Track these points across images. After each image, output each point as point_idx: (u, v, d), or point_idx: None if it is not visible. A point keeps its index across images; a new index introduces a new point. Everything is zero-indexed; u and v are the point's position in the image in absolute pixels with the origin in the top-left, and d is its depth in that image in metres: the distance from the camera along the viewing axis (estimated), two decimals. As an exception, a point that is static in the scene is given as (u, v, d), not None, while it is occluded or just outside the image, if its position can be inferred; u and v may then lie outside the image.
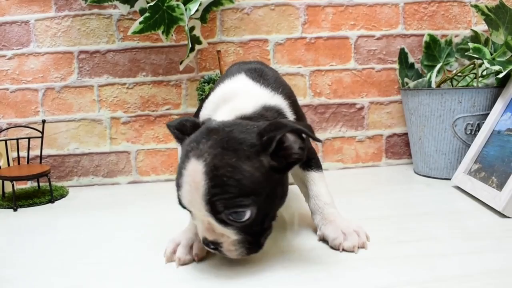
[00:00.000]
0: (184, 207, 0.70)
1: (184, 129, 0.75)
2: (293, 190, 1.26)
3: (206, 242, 0.71)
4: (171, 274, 0.73)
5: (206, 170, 0.64)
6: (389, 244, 0.81)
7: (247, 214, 0.65)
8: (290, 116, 0.82)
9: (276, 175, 0.69)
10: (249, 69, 0.87)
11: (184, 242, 0.78)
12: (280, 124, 0.67)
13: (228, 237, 0.69)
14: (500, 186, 0.99)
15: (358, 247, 0.79)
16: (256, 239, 0.70)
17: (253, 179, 0.65)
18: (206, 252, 0.79)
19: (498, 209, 0.95)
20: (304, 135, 0.69)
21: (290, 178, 1.28)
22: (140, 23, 1.18)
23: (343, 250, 0.78)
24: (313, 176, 0.88)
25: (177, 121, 0.77)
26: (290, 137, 0.69)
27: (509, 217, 0.93)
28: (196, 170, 0.64)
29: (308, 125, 0.70)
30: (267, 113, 0.77)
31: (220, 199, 0.64)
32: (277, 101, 0.81)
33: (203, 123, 0.75)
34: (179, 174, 0.68)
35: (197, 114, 0.94)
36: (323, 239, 0.83)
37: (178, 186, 0.68)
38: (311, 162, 0.89)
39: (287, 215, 1.04)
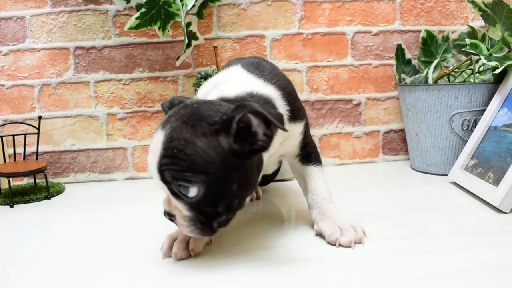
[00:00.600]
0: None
1: (172, 107, 0.75)
2: (291, 185, 1.27)
3: (164, 212, 0.73)
4: (168, 269, 0.73)
5: (163, 141, 0.66)
6: (386, 239, 0.81)
7: (193, 191, 0.65)
8: (281, 106, 0.79)
9: (236, 160, 0.67)
10: (247, 61, 0.86)
11: (180, 238, 0.79)
12: (242, 106, 0.66)
13: (180, 211, 0.69)
14: (496, 182, 1.00)
15: (355, 243, 0.79)
16: (208, 221, 0.69)
17: (205, 157, 0.64)
18: (203, 248, 0.79)
19: (494, 205, 0.95)
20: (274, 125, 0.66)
21: (289, 173, 1.29)
22: (136, 18, 1.17)
23: (340, 245, 0.78)
24: (312, 170, 0.88)
25: (168, 101, 0.80)
26: (255, 122, 0.66)
27: (505, 212, 0.93)
28: (157, 140, 0.67)
29: (277, 114, 0.68)
30: (251, 99, 0.75)
31: (168, 169, 0.65)
32: (268, 90, 0.79)
33: None
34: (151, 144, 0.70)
35: None
36: (320, 234, 0.83)
37: (148, 154, 0.70)
38: (310, 156, 0.89)
39: (284, 210, 1.04)
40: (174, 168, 0.64)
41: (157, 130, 0.68)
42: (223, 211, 0.69)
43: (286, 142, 0.84)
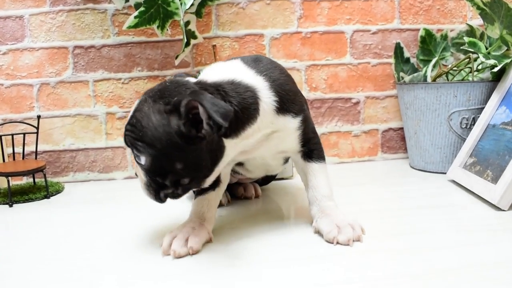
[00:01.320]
0: None
1: None
2: (290, 184, 1.27)
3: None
4: (167, 266, 0.73)
5: (133, 109, 0.74)
6: (384, 237, 0.82)
7: (143, 160, 0.72)
8: (267, 96, 0.78)
9: (181, 142, 0.70)
10: (248, 57, 0.86)
11: (180, 236, 0.79)
12: (193, 92, 0.69)
13: (139, 171, 0.76)
14: (495, 180, 1.00)
15: (353, 240, 0.79)
16: (157, 189, 0.75)
17: (153, 132, 0.70)
18: (202, 246, 0.80)
19: (493, 202, 0.95)
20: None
21: (288, 172, 1.29)
22: (135, 17, 1.17)
23: (338, 243, 0.79)
24: (313, 167, 0.88)
25: (174, 75, 0.86)
26: (201, 110, 0.67)
27: (503, 210, 0.94)
28: (133, 107, 0.75)
29: (225, 107, 0.67)
30: (228, 86, 0.75)
31: (128, 135, 0.73)
32: (255, 81, 0.78)
33: None
34: None
35: None
36: (318, 232, 0.83)
37: None
38: (312, 153, 0.88)
39: (284, 208, 1.05)
40: (131, 135, 0.72)
41: (137, 100, 0.76)
42: (170, 185, 0.74)
43: (277, 136, 0.82)
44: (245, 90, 0.76)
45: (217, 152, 0.76)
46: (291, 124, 0.83)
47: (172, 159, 0.71)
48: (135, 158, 0.75)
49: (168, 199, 0.78)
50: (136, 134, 0.71)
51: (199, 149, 0.72)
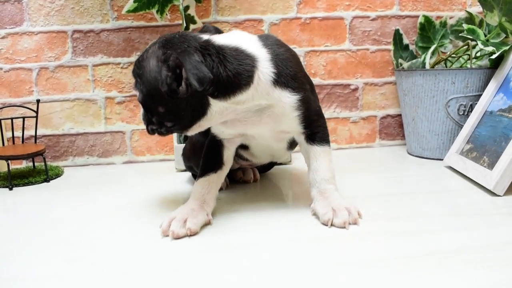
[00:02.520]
0: None
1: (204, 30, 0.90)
2: (289, 168, 1.28)
3: None
4: (165, 248, 0.74)
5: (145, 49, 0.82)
6: (381, 221, 0.83)
7: (137, 93, 0.81)
8: (266, 67, 0.79)
9: (164, 91, 0.75)
10: (261, 34, 0.88)
11: (179, 217, 0.80)
12: (182, 50, 0.74)
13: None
14: (491, 166, 1.01)
15: (350, 224, 0.80)
16: (147, 122, 0.84)
17: (147, 75, 0.77)
18: (200, 228, 0.81)
19: (488, 188, 0.97)
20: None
21: (287, 157, 1.29)
22: (134, 1, 1.17)
23: (332, 225, 0.80)
24: (315, 150, 0.88)
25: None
26: (183, 70, 0.74)
27: (499, 195, 0.95)
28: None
29: (203, 72, 0.72)
30: (230, 52, 0.78)
31: (134, 68, 0.82)
32: (258, 52, 0.80)
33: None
34: None
35: None
36: (315, 214, 0.84)
37: None
38: (315, 135, 0.88)
39: (282, 192, 1.05)
40: (136, 70, 0.81)
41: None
42: (156, 122, 0.82)
43: (273, 112, 0.82)
44: (245, 58, 0.78)
45: (200, 109, 0.79)
46: (288, 100, 0.82)
47: (156, 102, 0.79)
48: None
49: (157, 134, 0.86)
50: (138, 70, 0.80)
51: (179, 101, 0.77)
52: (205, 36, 0.80)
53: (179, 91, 0.75)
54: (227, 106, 0.79)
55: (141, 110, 0.85)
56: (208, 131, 0.92)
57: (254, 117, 0.83)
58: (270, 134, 0.88)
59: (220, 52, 0.76)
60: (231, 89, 0.77)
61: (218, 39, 0.79)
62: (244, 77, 0.77)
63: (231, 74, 0.76)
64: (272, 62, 0.80)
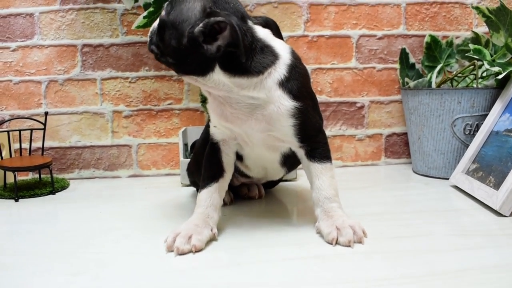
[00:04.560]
0: None
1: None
2: (294, 185, 1.28)
3: None
4: (170, 263, 0.74)
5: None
6: (386, 240, 0.82)
7: (164, 12, 0.80)
8: (282, 68, 0.82)
9: (187, 34, 0.76)
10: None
11: (183, 233, 0.80)
12: (231, 19, 0.75)
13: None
14: (497, 186, 1.01)
15: (354, 242, 0.80)
16: (152, 40, 0.84)
17: (182, 10, 0.78)
18: (205, 244, 0.81)
19: (494, 208, 0.96)
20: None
21: (292, 174, 1.29)
22: (144, 17, 1.19)
23: (337, 244, 0.79)
24: (317, 168, 0.87)
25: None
26: (226, 34, 0.75)
27: (505, 216, 0.94)
28: None
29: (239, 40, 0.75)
30: (261, 47, 0.82)
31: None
32: (284, 55, 0.83)
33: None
34: None
35: None
36: (320, 233, 0.84)
37: None
38: (315, 152, 0.87)
39: (287, 209, 1.05)
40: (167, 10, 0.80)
41: None
42: (160, 47, 0.82)
43: (264, 108, 0.82)
44: (270, 55, 0.82)
45: (203, 68, 0.80)
46: (285, 103, 0.81)
47: (172, 36, 0.78)
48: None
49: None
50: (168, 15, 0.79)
51: (193, 50, 0.77)
52: (251, 24, 0.83)
53: (206, 48, 0.76)
54: (226, 82, 0.80)
55: (154, 24, 0.85)
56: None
57: (247, 110, 0.83)
58: (262, 138, 0.87)
59: (254, 41, 0.80)
60: (241, 70, 0.79)
61: (259, 31, 0.83)
62: (259, 67, 0.80)
63: (250, 62, 0.79)
64: (289, 68, 0.82)
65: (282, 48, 0.84)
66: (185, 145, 1.36)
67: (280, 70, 0.82)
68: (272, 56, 0.82)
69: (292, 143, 0.87)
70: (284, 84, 0.82)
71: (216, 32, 0.75)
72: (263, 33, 0.83)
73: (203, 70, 0.80)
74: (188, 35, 0.76)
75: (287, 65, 0.82)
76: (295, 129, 0.84)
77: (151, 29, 0.86)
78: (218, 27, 0.75)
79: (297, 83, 0.83)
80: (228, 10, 0.79)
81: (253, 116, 0.83)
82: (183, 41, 0.77)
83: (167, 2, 0.82)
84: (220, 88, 0.81)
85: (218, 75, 0.79)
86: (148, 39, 0.86)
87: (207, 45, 0.75)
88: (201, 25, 0.75)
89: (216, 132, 0.92)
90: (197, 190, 0.91)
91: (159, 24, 0.81)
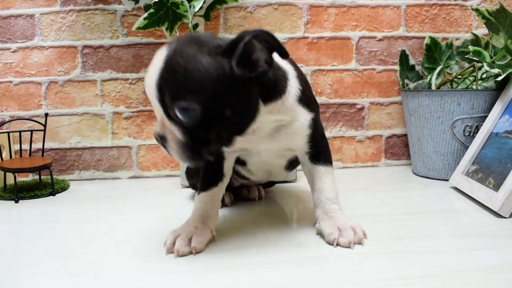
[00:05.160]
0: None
1: None
2: (294, 186, 1.28)
3: (156, 135, 0.72)
4: (169, 265, 0.74)
5: (166, 55, 0.65)
6: (386, 241, 0.82)
7: (190, 111, 0.65)
8: (294, 83, 0.79)
9: (236, 85, 0.67)
10: None
11: (183, 235, 0.80)
12: (247, 31, 0.66)
13: (173, 134, 0.70)
14: (496, 187, 1.01)
15: (355, 243, 0.80)
16: (198, 147, 0.70)
17: (206, 75, 0.65)
18: (205, 245, 0.81)
19: (494, 209, 0.96)
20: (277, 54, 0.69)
21: (292, 175, 1.30)
22: (144, 19, 1.19)
23: (338, 245, 0.79)
24: (320, 170, 0.88)
25: None
26: (258, 46, 0.67)
27: (504, 217, 0.94)
28: (159, 56, 0.66)
29: (275, 39, 0.67)
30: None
31: (167, 86, 0.65)
32: (287, 67, 0.80)
33: None
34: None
35: None
36: (320, 234, 0.84)
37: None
38: (320, 156, 0.89)
39: (287, 210, 1.06)
40: (173, 85, 0.65)
41: (161, 51, 0.67)
42: (214, 139, 0.70)
43: (289, 127, 0.81)
44: (279, 68, 0.78)
45: (254, 109, 0.73)
46: (306, 117, 0.82)
47: (224, 104, 0.67)
48: (170, 116, 0.68)
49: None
50: (180, 82, 0.64)
51: (249, 95, 0.71)
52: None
53: (260, 71, 0.68)
54: (265, 113, 0.75)
55: (178, 143, 0.70)
56: None
57: (270, 133, 0.81)
58: (276, 151, 0.88)
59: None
60: (271, 93, 0.75)
61: None
62: (281, 84, 0.76)
63: (272, 77, 0.74)
64: (298, 80, 0.81)
65: (281, 61, 0.79)
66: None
67: (293, 84, 0.80)
68: (281, 70, 0.78)
69: (301, 150, 0.88)
70: (302, 99, 0.81)
71: (249, 55, 0.67)
72: None
73: (253, 113, 0.73)
74: (234, 83, 0.67)
75: (295, 76, 0.81)
76: (309, 137, 0.86)
77: (178, 156, 0.71)
78: (247, 49, 0.67)
79: (308, 93, 0.83)
80: (214, 39, 0.69)
81: (275, 136, 0.82)
82: (234, 95, 0.68)
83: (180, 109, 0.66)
84: (260, 124, 0.77)
85: (262, 110, 0.74)
86: (186, 160, 0.72)
87: (257, 68, 0.68)
88: (228, 64, 0.66)
89: None
90: (197, 192, 0.90)
91: (189, 132, 0.68)
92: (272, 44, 0.67)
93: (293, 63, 0.84)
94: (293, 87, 0.79)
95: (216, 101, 0.66)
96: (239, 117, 0.71)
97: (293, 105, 0.80)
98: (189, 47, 0.66)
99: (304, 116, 0.82)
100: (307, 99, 0.83)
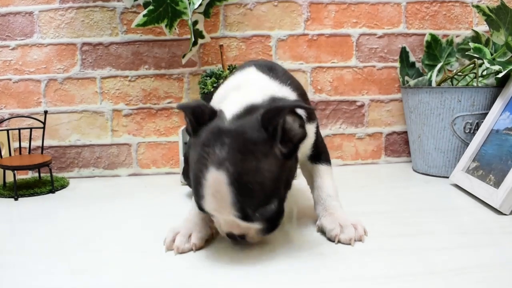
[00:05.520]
0: (205, 212, 0.71)
1: (201, 116, 0.71)
2: (295, 184, 1.27)
3: (231, 236, 0.74)
4: (169, 262, 0.74)
5: (231, 180, 0.64)
6: (386, 238, 0.82)
7: (273, 209, 0.69)
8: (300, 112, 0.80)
9: (288, 161, 0.71)
10: (260, 64, 0.87)
11: (183, 232, 0.80)
12: (276, 109, 0.67)
13: (253, 229, 0.73)
14: (497, 184, 1.00)
15: (355, 240, 0.79)
16: (275, 223, 0.73)
17: (274, 176, 0.68)
18: (204, 242, 0.80)
19: (494, 206, 0.96)
20: (303, 115, 0.73)
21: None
22: (143, 16, 1.18)
23: (339, 242, 0.79)
24: (320, 168, 0.91)
25: (193, 105, 0.72)
26: (289, 119, 0.69)
27: (505, 214, 0.94)
28: (219, 181, 0.65)
29: (299, 101, 0.72)
30: (265, 104, 0.74)
31: (249, 205, 0.66)
32: (285, 92, 0.80)
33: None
34: (199, 184, 0.67)
35: None
36: (321, 230, 0.84)
37: (199, 196, 0.68)
38: (320, 156, 0.91)
39: (288, 205, 1.05)
40: (253, 202, 0.66)
41: (205, 169, 0.66)
42: (283, 209, 0.74)
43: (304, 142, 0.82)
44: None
45: (295, 166, 0.78)
46: (313, 129, 0.86)
47: (290, 179, 0.75)
48: (251, 219, 0.68)
49: None
50: (259, 196, 0.67)
51: (295, 159, 0.76)
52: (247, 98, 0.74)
53: (299, 138, 0.71)
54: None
55: (260, 231, 0.73)
56: None
57: None
58: None
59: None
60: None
61: (252, 98, 0.74)
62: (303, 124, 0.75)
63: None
64: (303, 100, 0.84)
65: (282, 91, 0.80)
66: (185, 143, 1.36)
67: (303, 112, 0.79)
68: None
69: (306, 154, 0.90)
70: (308, 117, 0.82)
71: (286, 131, 0.70)
72: (251, 97, 0.74)
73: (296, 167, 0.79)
74: (287, 160, 0.70)
75: (298, 95, 0.83)
76: (314, 141, 0.89)
77: (258, 239, 0.76)
78: (285, 129, 0.69)
79: (309, 107, 0.82)
80: (255, 132, 0.67)
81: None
82: (289, 170, 0.72)
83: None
84: None
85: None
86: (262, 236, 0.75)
87: (295, 138, 0.71)
88: (278, 150, 0.68)
89: None
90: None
91: (269, 220, 0.71)
92: (299, 109, 0.71)
93: (287, 79, 0.84)
94: (302, 112, 0.78)
95: (284, 184, 0.72)
96: (292, 178, 0.77)
97: (309, 127, 0.81)
98: (247, 162, 0.65)
99: (311, 130, 0.85)
100: (310, 113, 0.84)
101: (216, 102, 0.82)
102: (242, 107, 0.72)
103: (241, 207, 0.66)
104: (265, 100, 0.74)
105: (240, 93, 0.78)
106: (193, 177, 0.70)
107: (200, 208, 0.71)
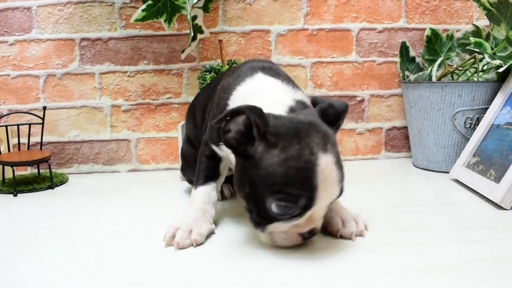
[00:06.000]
0: (306, 209, 0.68)
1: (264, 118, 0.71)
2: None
3: (313, 232, 0.73)
4: (169, 258, 0.74)
5: (336, 159, 0.70)
6: (386, 233, 0.82)
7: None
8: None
9: None
10: (263, 67, 0.88)
11: (183, 227, 0.79)
12: (332, 105, 0.77)
13: (321, 218, 0.74)
14: (498, 179, 1.00)
15: (356, 235, 0.79)
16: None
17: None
18: (205, 238, 0.80)
19: (495, 201, 0.96)
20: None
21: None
22: (142, 10, 1.18)
23: (341, 236, 0.79)
24: None
25: (258, 108, 0.70)
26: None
27: (506, 209, 0.94)
28: (330, 162, 0.69)
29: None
30: (299, 105, 0.79)
31: (343, 179, 0.73)
32: (300, 96, 0.83)
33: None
34: (312, 174, 0.67)
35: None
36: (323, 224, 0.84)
37: (312, 187, 0.67)
38: None
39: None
40: (344, 176, 0.73)
41: (315, 156, 0.67)
42: None
43: None
44: (305, 106, 0.80)
45: None
46: None
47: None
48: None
49: None
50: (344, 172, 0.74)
51: None
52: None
53: (340, 124, 0.79)
54: None
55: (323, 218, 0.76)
56: (197, 140, 1.00)
57: None
58: None
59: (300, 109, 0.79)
60: None
61: (284, 102, 0.79)
62: None
63: None
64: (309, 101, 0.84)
65: (297, 96, 0.83)
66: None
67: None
68: (305, 107, 0.82)
69: None
70: None
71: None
72: (281, 105, 0.78)
73: None
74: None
75: (308, 100, 0.85)
76: None
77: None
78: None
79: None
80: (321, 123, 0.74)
81: None
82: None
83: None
84: None
85: None
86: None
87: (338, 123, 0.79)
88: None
89: (219, 151, 0.89)
90: (194, 187, 0.90)
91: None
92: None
93: (294, 85, 0.87)
94: None
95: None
96: None
97: None
98: (335, 145, 0.73)
99: None
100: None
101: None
102: (284, 109, 0.76)
103: (342, 183, 0.72)
104: (294, 103, 0.79)
105: (267, 99, 0.78)
106: (297, 172, 0.67)
107: (307, 205, 0.68)
